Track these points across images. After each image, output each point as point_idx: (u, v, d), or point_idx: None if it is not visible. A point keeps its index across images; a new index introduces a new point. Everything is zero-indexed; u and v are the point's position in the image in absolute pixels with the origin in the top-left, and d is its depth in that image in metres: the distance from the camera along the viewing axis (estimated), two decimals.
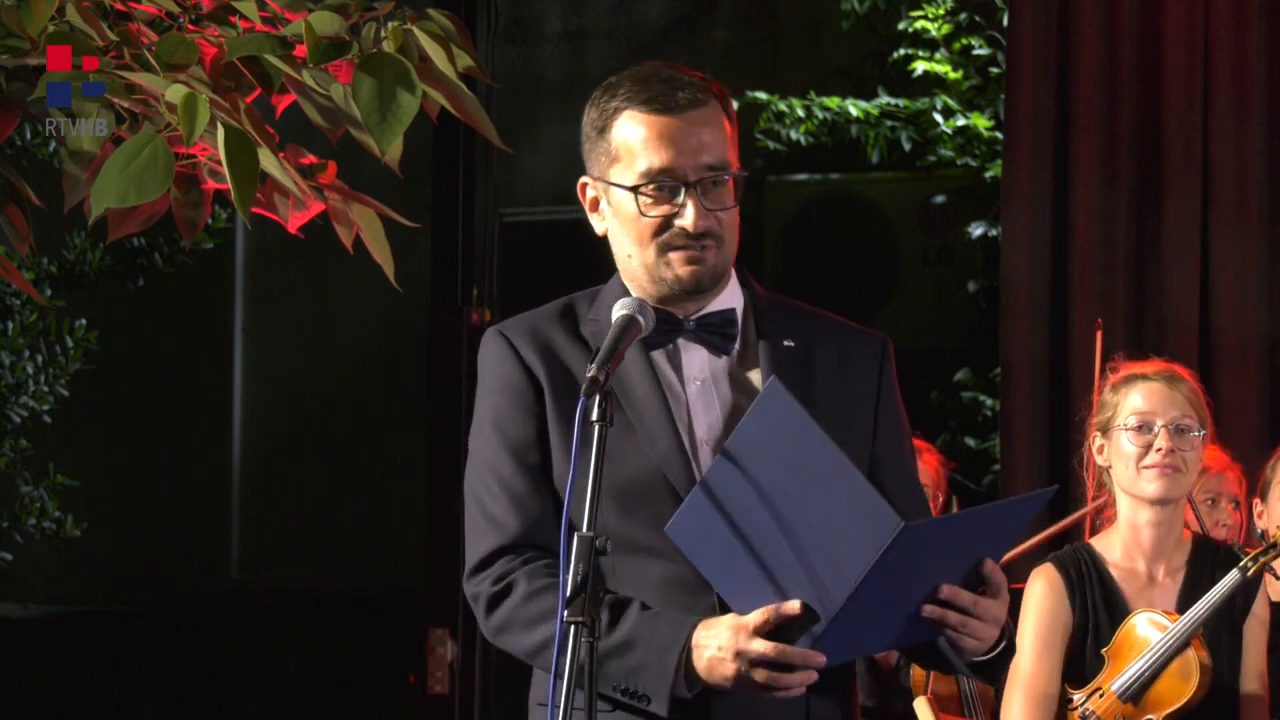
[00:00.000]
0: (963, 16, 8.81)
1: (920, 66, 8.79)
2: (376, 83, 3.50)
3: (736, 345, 3.29)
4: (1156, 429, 4.34)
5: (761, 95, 8.92)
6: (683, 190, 3.21)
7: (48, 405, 7.28)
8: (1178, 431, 4.34)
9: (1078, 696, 4.31)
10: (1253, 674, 4.35)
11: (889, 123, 8.91)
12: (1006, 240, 6.97)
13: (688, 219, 3.21)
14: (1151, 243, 6.79)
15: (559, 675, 2.92)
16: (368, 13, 3.63)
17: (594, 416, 2.98)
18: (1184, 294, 6.72)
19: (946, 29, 8.80)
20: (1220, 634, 4.33)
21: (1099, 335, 5.63)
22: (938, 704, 5.19)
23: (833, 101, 8.93)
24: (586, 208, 3.34)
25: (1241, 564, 4.30)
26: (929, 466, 5.64)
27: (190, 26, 3.68)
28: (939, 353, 8.88)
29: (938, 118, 8.78)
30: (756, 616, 3.02)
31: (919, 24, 8.81)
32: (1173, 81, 6.76)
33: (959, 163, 8.80)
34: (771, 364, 3.27)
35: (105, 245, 7.35)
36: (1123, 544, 4.40)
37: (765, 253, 9.07)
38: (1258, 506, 5.15)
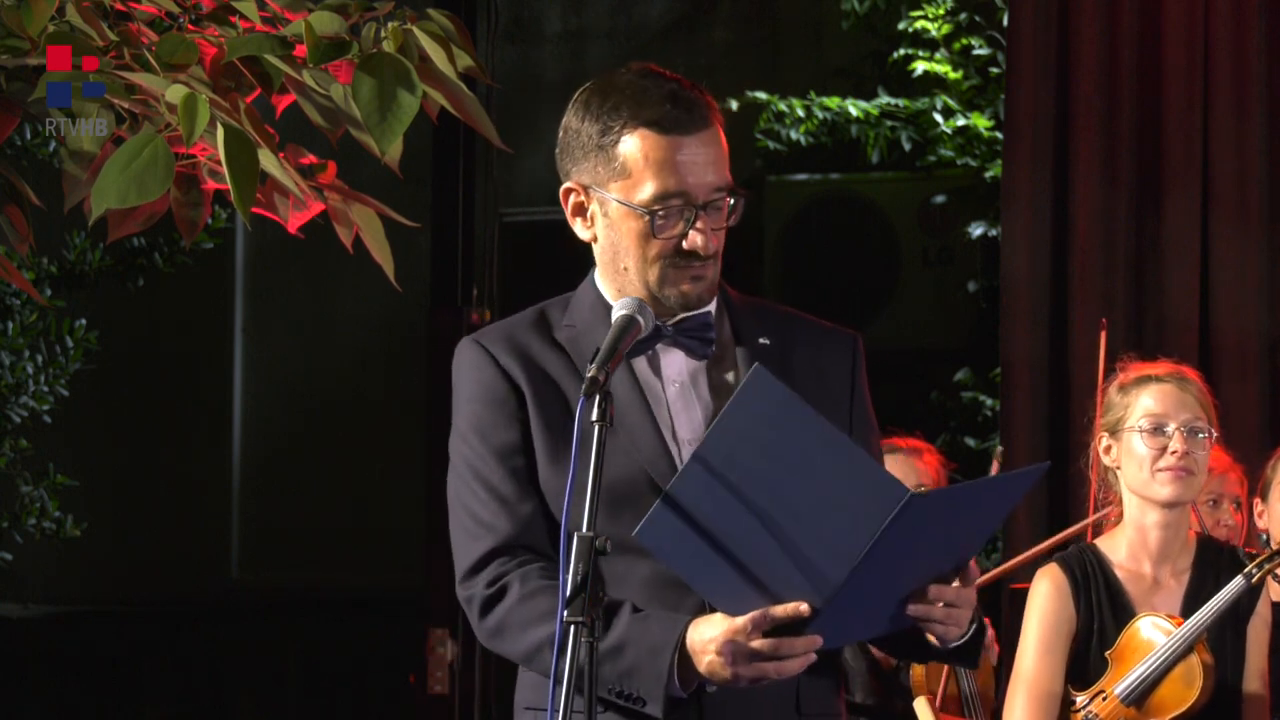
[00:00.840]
0: (963, 16, 8.81)
1: (920, 66, 8.79)
2: (376, 83, 3.50)
3: (713, 349, 3.30)
4: (1170, 431, 4.33)
5: (761, 95, 8.92)
6: (695, 214, 3.22)
7: (48, 405, 7.28)
8: (1190, 434, 4.34)
9: (1081, 699, 4.30)
10: (1255, 674, 4.34)
11: (889, 123, 8.91)
12: (1006, 240, 6.97)
13: (699, 242, 3.22)
14: (1151, 243, 6.79)
15: (559, 675, 2.92)
16: (368, 13, 3.63)
17: (594, 416, 2.98)
18: (1184, 294, 6.72)
19: (946, 29, 8.81)
20: (1224, 634, 4.33)
21: (1103, 335, 5.62)
22: (938, 704, 5.19)
23: (833, 101, 8.93)
24: (569, 212, 3.32)
25: (1246, 570, 4.30)
26: (929, 467, 5.63)
27: (190, 26, 3.68)
28: (939, 353, 8.88)
29: (938, 118, 8.78)
30: (748, 619, 3.02)
31: (919, 24, 8.81)
32: (1173, 81, 6.76)
33: (959, 163, 8.80)
34: (750, 363, 3.28)
35: (105, 245, 7.35)
36: (1129, 545, 4.39)
37: (765, 253, 9.07)
38: (1258, 506, 5.15)
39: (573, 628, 2.90)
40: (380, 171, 3.78)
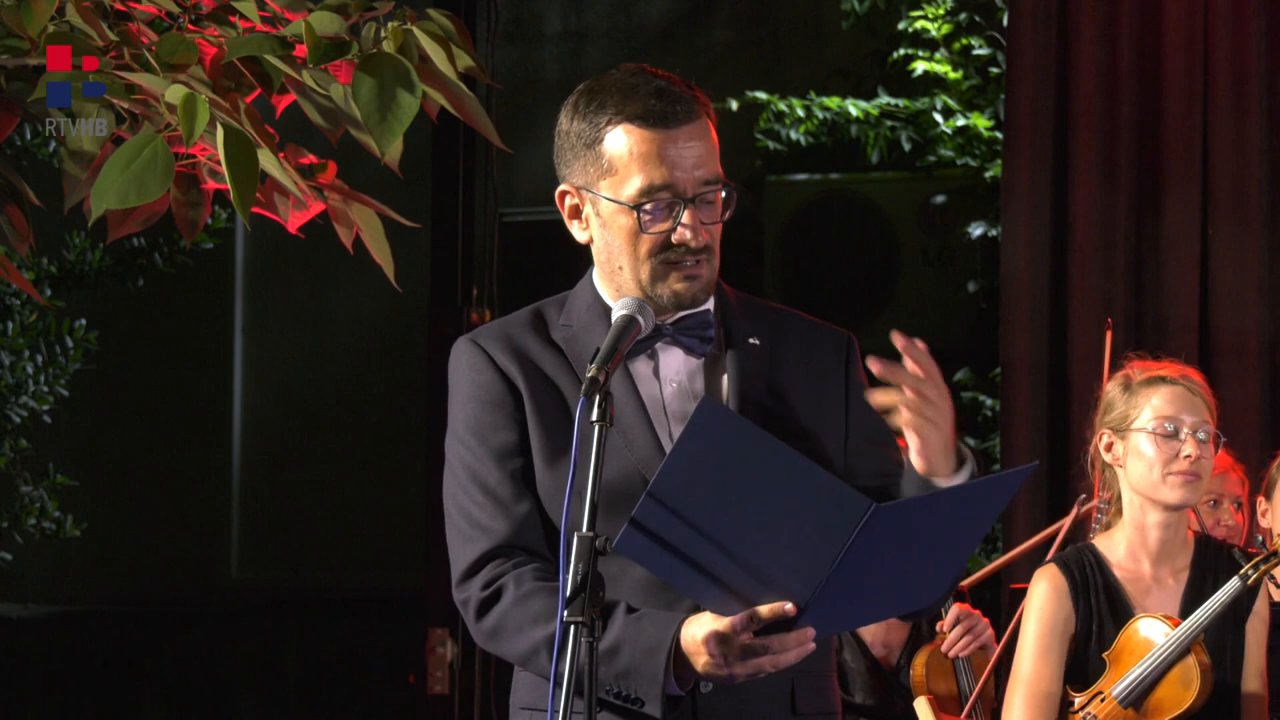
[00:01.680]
0: (963, 16, 8.81)
1: (920, 66, 8.79)
2: (376, 83, 3.50)
3: (713, 346, 3.30)
4: (1183, 435, 4.32)
5: (761, 95, 8.92)
6: (683, 207, 3.21)
7: (48, 405, 7.28)
8: (1200, 438, 4.33)
9: (1079, 699, 4.29)
10: (1254, 673, 4.34)
11: (889, 123, 8.91)
12: (1006, 240, 6.97)
13: (689, 236, 3.21)
14: (1151, 243, 6.79)
15: (559, 674, 2.92)
16: (368, 13, 3.63)
17: (594, 416, 2.98)
18: (1184, 294, 6.72)
19: (946, 29, 8.80)
20: (1223, 634, 4.32)
21: (1109, 335, 5.60)
22: (938, 704, 5.19)
23: (833, 101, 8.93)
24: (565, 215, 3.32)
25: (1242, 572, 4.28)
26: None
27: (190, 26, 3.68)
28: (939, 353, 8.77)
29: (938, 118, 8.78)
30: (734, 622, 3.03)
31: (919, 24, 8.81)
32: (1173, 81, 6.76)
33: (959, 163, 8.80)
34: (739, 363, 3.28)
35: (105, 245, 7.36)
36: (1128, 545, 4.38)
37: (765, 253, 9.07)
38: (1261, 505, 5.15)
39: (573, 628, 2.91)
40: (380, 171, 3.78)
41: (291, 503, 9.89)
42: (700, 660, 3.06)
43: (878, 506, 2.90)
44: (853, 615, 3.14)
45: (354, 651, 9.70)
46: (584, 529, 2.94)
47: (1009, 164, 6.98)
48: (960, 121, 8.76)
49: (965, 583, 5.53)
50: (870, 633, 5.40)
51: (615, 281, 3.29)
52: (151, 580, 9.92)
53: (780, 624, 3.02)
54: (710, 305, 3.32)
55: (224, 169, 3.38)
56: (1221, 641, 4.31)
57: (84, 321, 7.32)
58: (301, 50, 3.56)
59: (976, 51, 8.79)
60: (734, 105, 8.75)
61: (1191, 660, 4.23)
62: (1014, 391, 6.87)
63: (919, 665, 5.35)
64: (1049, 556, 4.57)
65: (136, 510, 9.83)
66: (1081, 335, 6.74)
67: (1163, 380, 4.37)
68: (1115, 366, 4.78)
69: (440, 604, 7.76)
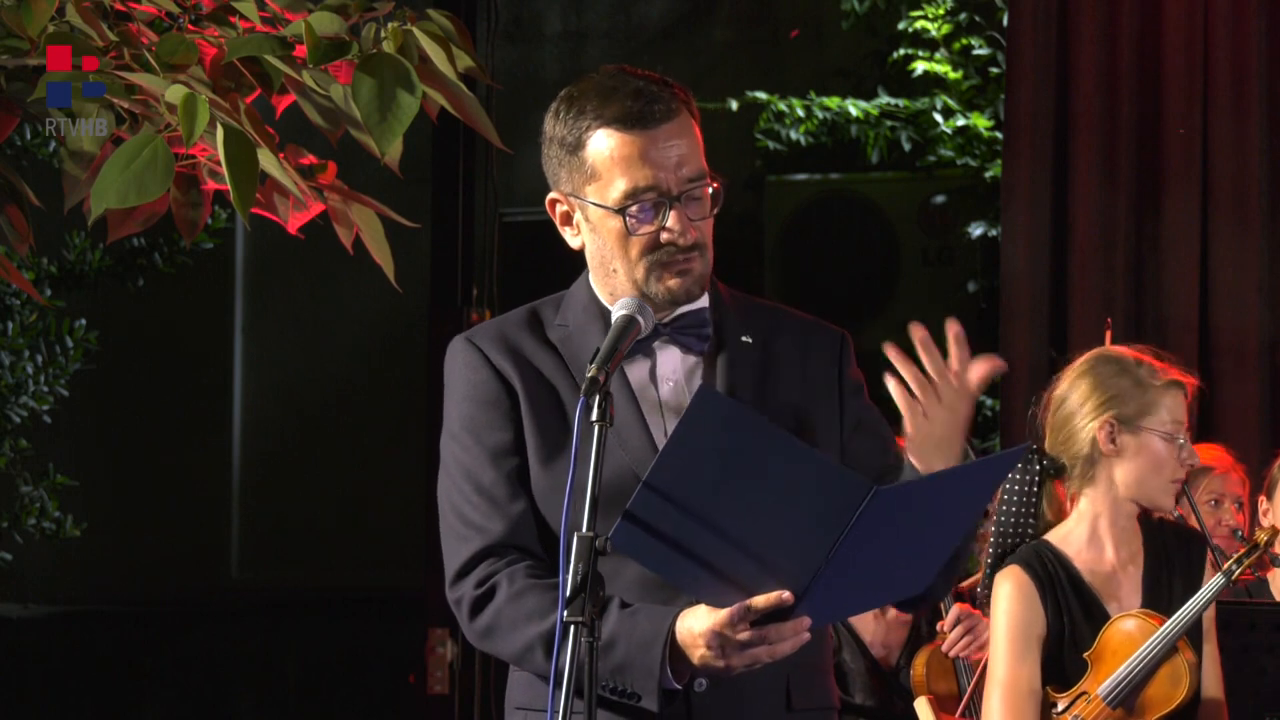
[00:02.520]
0: (963, 16, 8.81)
1: (920, 66, 8.79)
2: (376, 83, 3.50)
3: (709, 344, 3.30)
4: (1181, 441, 4.29)
5: (761, 95, 8.92)
6: (668, 206, 3.21)
7: (48, 405, 7.28)
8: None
9: (1062, 701, 4.25)
10: (1212, 681, 4.29)
11: (889, 123, 8.91)
12: (1006, 240, 6.97)
13: (676, 234, 3.21)
14: (1151, 243, 6.79)
15: (558, 673, 2.92)
16: (368, 13, 3.63)
17: (594, 416, 2.98)
18: (1184, 294, 6.72)
19: (946, 29, 8.81)
20: (1193, 637, 4.29)
21: (1108, 335, 5.60)
22: (938, 704, 5.19)
23: (833, 101, 8.93)
24: (557, 222, 3.33)
25: (1225, 567, 4.26)
26: None
27: (190, 26, 3.68)
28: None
29: (938, 118, 8.78)
30: (731, 613, 3.02)
31: (919, 24, 8.81)
32: (1172, 81, 6.76)
33: (959, 163, 8.80)
34: (728, 360, 3.28)
35: (105, 245, 7.35)
36: (1088, 537, 4.29)
37: (765, 253, 9.07)
38: (1263, 505, 5.15)
39: (572, 627, 2.91)
40: (380, 171, 3.78)
41: (291, 503, 9.89)
42: (697, 653, 3.06)
43: (879, 489, 2.91)
44: (849, 603, 3.13)
45: (354, 651, 9.70)
46: (583, 529, 2.94)
47: (1009, 164, 6.98)
48: (960, 121, 8.76)
49: (966, 584, 5.53)
50: (870, 633, 5.40)
51: (610, 284, 3.29)
52: (151, 580, 9.92)
53: (776, 614, 3.02)
54: (706, 303, 3.32)
55: (224, 169, 3.38)
56: (1195, 645, 4.29)
57: (84, 321, 7.32)
58: (301, 50, 3.56)
59: (976, 51, 8.79)
60: (734, 105, 8.75)
61: (1179, 658, 4.20)
62: (1014, 391, 6.87)
63: (919, 665, 5.35)
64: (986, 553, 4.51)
65: (136, 510, 9.83)
66: (1081, 335, 6.74)
67: (1179, 385, 4.31)
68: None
69: (440, 604, 7.73)
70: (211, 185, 3.65)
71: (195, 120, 3.34)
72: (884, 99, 8.95)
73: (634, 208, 3.21)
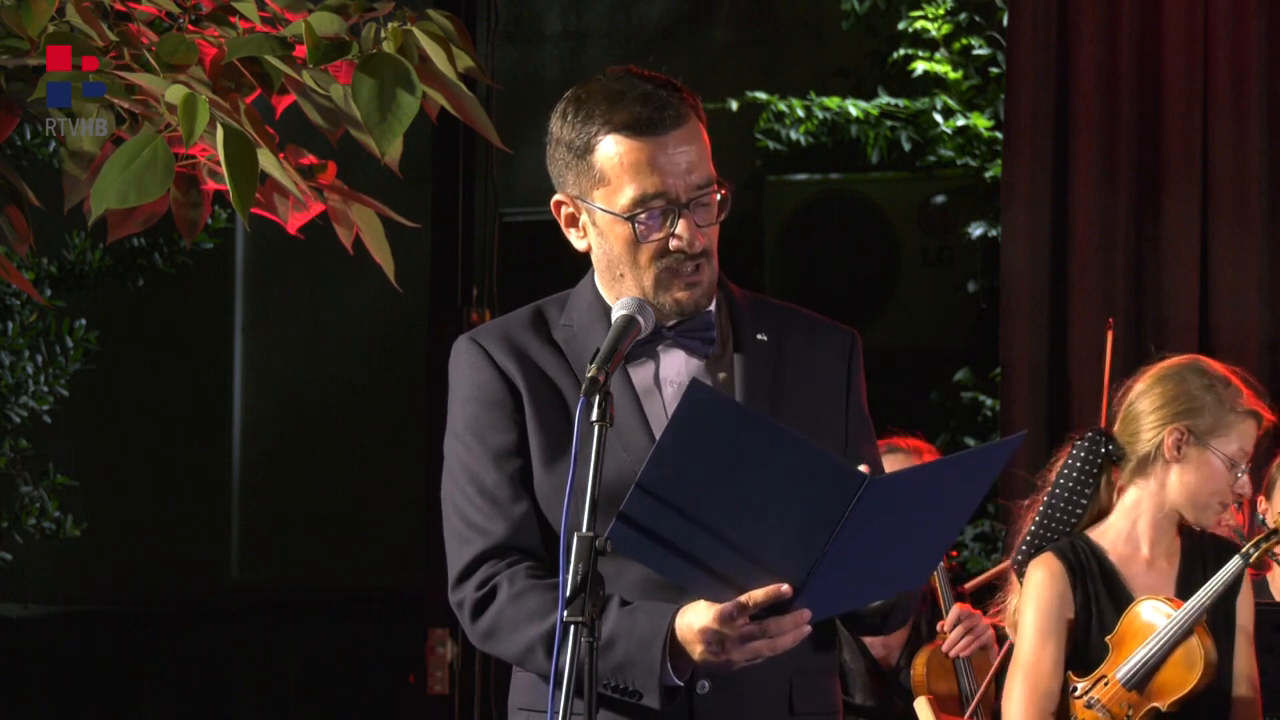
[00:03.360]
0: (963, 16, 8.81)
1: (920, 66, 8.79)
2: (376, 83, 3.50)
3: (714, 347, 3.29)
4: (1242, 470, 4.35)
5: (761, 95, 8.92)
6: (677, 214, 3.20)
7: (48, 405, 7.28)
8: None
9: (1082, 685, 4.30)
10: (1243, 678, 4.34)
11: (889, 123, 8.91)
12: (1006, 240, 6.97)
13: (686, 241, 3.21)
14: (1151, 243, 6.79)
15: (558, 673, 2.92)
16: (368, 13, 3.63)
17: (594, 416, 2.98)
18: (1184, 294, 6.72)
19: (946, 29, 8.81)
20: (1215, 626, 4.32)
21: (1110, 335, 5.60)
22: (938, 704, 5.19)
23: (833, 101, 8.93)
24: (562, 224, 3.32)
25: (1243, 550, 4.30)
26: None
27: (190, 27, 3.68)
28: (939, 353, 8.88)
29: (938, 118, 8.78)
30: (730, 607, 3.02)
31: (919, 24, 8.81)
32: (1172, 81, 6.76)
33: (959, 163, 8.80)
34: (745, 359, 3.28)
35: (105, 245, 7.35)
36: (1127, 532, 4.38)
37: (765, 253, 9.07)
38: (1262, 504, 5.15)
39: (572, 627, 2.90)
40: (380, 171, 3.78)
41: (291, 503, 9.89)
42: (697, 649, 3.06)
43: (872, 479, 2.90)
44: (848, 596, 3.13)
45: (354, 651, 9.70)
46: (584, 529, 2.94)
47: (1009, 164, 6.98)
48: (960, 121, 8.76)
49: (968, 585, 5.53)
50: None
51: (617, 288, 3.28)
52: (151, 580, 9.92)
53: (776, 608, 3.02)
54: (712, 306, 3.32)
55: (224, 169, 3.38)
56: (1218, 636, 4.32)
57: (84, 321, 7.31)
58: (301, 50, 3.56)
59: (976, 51, 8.79)
60: (734, 105, 8.75)
61: (1195, 642, 4.24)
62: (1014, 391, 6.87)
63: (919, 665, 5.35)
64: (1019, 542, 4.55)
65: (136, 510, 9.83)
66: (1081, 335, 6.74)
67: (1257, 416, 4.37)
68: (1116, 366, 4.77)
69: (440, 604, 7.75)
70: (211, 185, 3.65)
71: (195, 120, 3.33)
72: (884, 99, 8.95)
73: (643, 215, 3.20)
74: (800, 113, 8.92)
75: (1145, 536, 4.38)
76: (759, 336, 3.32)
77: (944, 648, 5.30)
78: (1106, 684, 4.28)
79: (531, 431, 3.25)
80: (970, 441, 8.52)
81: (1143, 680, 4.26)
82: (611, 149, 3.21)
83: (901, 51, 8.88)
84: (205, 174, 3.63)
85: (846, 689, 5.37)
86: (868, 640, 5.43)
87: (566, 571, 2.92)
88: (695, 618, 3.06)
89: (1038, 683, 4.30)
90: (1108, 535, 4.40)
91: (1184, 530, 4.42)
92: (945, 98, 8.79)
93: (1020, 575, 4.41)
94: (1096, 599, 4.32)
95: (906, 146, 8.86)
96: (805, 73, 9.30)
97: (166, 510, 9.90)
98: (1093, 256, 6.79)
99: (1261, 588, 5.11)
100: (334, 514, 9.74)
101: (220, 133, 3.37)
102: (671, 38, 9.60)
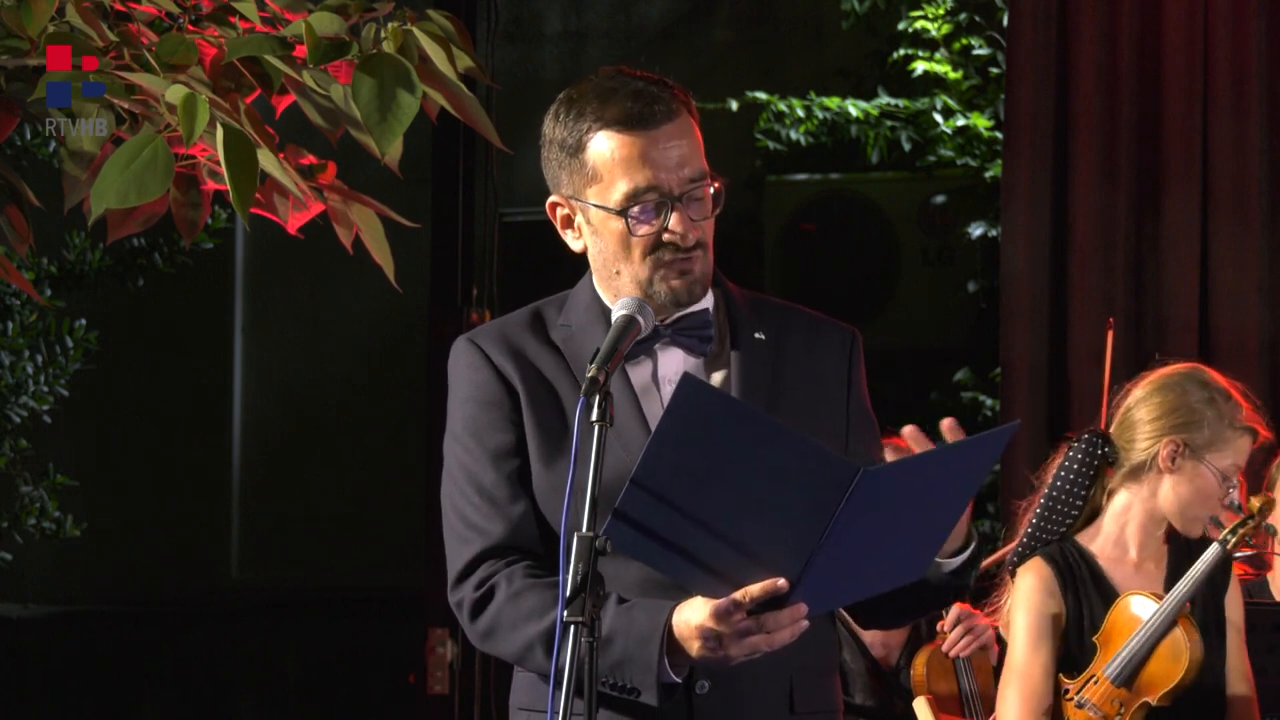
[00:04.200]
0: (963, 16, 8.81)
1: (920, 66, 8.79)
2: (376, 83, 3.50)
3: (712, 345, 3.29)
4: (1233, 485, 4.36)
5: (761, 95, 8.92)
6: (669, 207, 3.21)
7: (48, 405, 7.27)
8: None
9: (1072, 686, 4.31)
10: (1238, 675, 4.34)
11: (889, 123, 8.91)
12: (1006, 240, 6.97)
13: (679, 235, 3.21)
14: (1151, 243, 6.79)
15: (558, 672, 2.92)
16: (368, 13, 3.63)
17: (594, 416, 2.98)
18: (1184, 294, 6.72)
19: (946, 29, 8.81)
20: (1206, 622, 4.33)
21: (1110, 336, 5.60)
22: (938, 704, 5.19)
23: (833, 101, 8.93)
24: (558, 225, 3.33)
25: (1221, 537, 4.31)
26: None
27: (190, 27, 3.68)
28: (939, 353, 8.89)
29: (938, 118, 8.78)
30: (727, 602, 3.02)
31: (919, 24, 8.81)
32: (1172, 81, 6.76)
33: (959, 163, 8.80)
34: (742, 357, 3.28)
35: (105, 245, 7.35)
36: (1117, 536, 4.39)
37: (765, 253, 9.07)
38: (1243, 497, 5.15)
39: (572, 627, 2.90)
40: (380, 171, 3.78)
41: (291, 503, 9.89)
42: (694, 645, 3.06)
43: (865, 470, 2.90)
44: (846, 589, 3.13)
45: (354, 651, 9.70)
46: (583, 529, 2.94)
47: (1009, 164, 6.98)
48: (960, 121, 8.76)
49: None
50: (870, 633, 5.40)
51: (613, 286, 3.29)
52: (151, 580, 9.92)
53: (773, 602, 3.02)
54: (709, 304, 3.32)
55: (224, 169, 3.38)
56: (1207, 631, 4.32)
57: (84, 321, 7.31)
58: (301, 51, 3.56)
59: (976, 51, 8.79)
60: (734, 105, 8.75)
61: (1180, 633, 4.24)
62: (1014, 391, 6.87)
63: (919, 665, 5.35)
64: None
65: (136, 510, 9.83)
66: (1081, 335, 6.74)
67: (1253, 433, 4.38)
68: (1117, 366, 4.78)
69: (440, 604, 7.74)
70: (211, 185, 3.65)
71: (195, 120, 3.34)
72: (884, 99, 8.95)
73: (635, 209, 3.21)
74: (800, 113, 8.92)
75: (1134, 541, 4.39)
76: (757, 335, 3.32)
77: (944, 648, 5.30)
78: (1096, 683, 4.28)
79: (529, 431, 3.25)
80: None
81: (1130, 676, 4.26)
82: (603, 145, 3.22)
83: (901, 51, 8.88)
84: (205, 174, 3.63)
85: (846, 689, 5.37)
86: (867, 640, 5.43)
87: (567, 571, 2.92)
88: (692, 614, 3.06)
89: (1030, 688, 4.30)
90: (1096, 539, 4.40)
91: (1172, 534, 4.43)
92: (945, 98, 8.79)
93: (1014, 576, 4.41)
94: (1086, 602, 4.33)
95: (906, 146, 8.86)
96: (805, 73, 9.30)
97: (166, 510, 9.90)
98: (1093, 256, 6.79)
99: (1262, 588, 5.11)
100: (334, 514, 9.74)
101: (220, 133, 3.37)
102: (671, 38, 9.60)
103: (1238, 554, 4.46)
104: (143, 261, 7.48)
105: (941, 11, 8.80)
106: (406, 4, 3.70)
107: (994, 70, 8.74)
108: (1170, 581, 4.35)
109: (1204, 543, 4.39)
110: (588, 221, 3.27)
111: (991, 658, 5.38)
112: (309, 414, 9.94)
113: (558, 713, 2.90)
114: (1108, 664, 4.27)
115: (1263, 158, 6.72)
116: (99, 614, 9.97)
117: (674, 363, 3.29)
